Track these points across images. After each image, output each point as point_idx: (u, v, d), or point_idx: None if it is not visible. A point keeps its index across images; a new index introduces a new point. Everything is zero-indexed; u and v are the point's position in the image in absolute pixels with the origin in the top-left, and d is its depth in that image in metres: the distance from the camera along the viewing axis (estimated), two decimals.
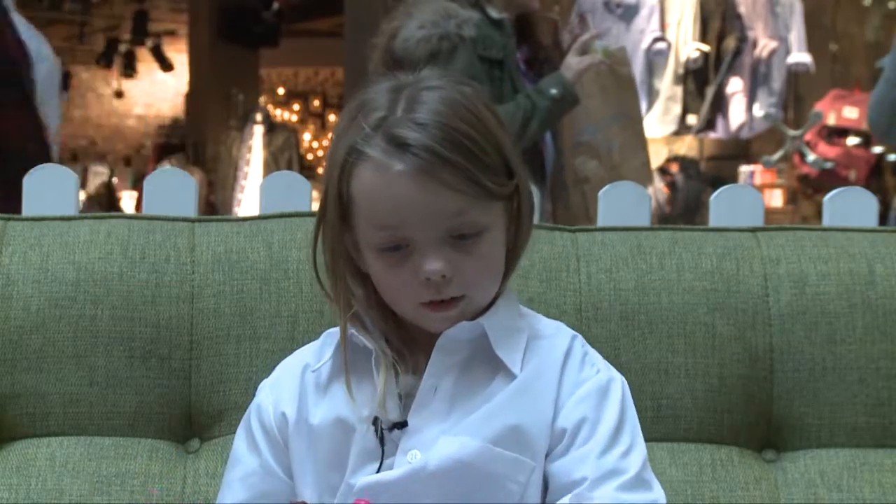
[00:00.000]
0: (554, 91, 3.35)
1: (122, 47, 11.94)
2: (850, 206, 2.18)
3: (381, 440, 1.39)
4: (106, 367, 1.70)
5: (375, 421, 1.40)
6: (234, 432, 1.66)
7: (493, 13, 3.39)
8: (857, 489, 1.70)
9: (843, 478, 1.71)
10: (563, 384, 1.43)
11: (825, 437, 1.74)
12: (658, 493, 1.39)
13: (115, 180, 11.69)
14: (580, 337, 1.49)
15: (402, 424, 1.40)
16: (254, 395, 1.54)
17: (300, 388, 1.48)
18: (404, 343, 1.45)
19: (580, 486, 1.36)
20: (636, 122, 3.88)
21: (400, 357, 1.43)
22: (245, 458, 1.49)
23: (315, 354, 1.50)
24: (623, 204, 2.22)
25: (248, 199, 8.95)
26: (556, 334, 1.48)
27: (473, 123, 1.38)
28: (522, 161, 1.45)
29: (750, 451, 1.75)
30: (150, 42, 11.71)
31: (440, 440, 1.38)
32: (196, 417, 1.73)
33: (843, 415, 1.74)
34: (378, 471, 1.39)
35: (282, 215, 1.83)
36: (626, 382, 1.46)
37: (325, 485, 1.43)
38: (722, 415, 1.73)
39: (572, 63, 3.42)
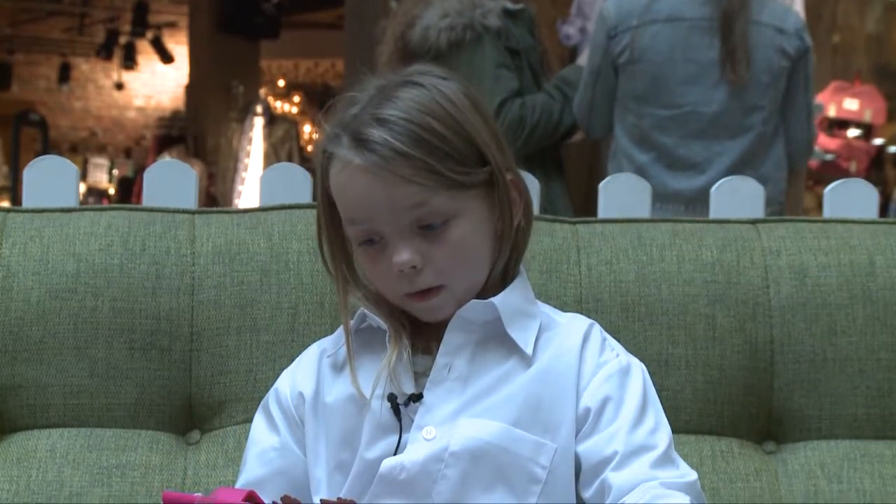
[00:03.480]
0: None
1: (123, 39, 11.93)
2: (851, 198, 2.18)
3: (398, 415, 1.41)
4: (106, 359, 1.70)
5: (391, 397, 1.41)
6: (235, 423, 1.67)
7: (510, 4, 3.40)
8: (858, 480, 1.70)
9: (843, 469, 1.71)
10: (584, 366, 1.45)
11: (825, 428, 1.75)
12: (687, 470, 1.41)
13: (115, 172, 11.69)
14: (597, 324, 1.51)
15: (417, 397, 1.41)
16: (258, 387, 1.58)
17: (318, 371, 1.51)
18: (416, 324, 1.47)
19: (612, 462, 1.38)
20: None
21: (415, 335, 1.46)
22: (263, 437, 1.52)
23: (332, 342, 1.54)
24: (623, 195, 2.22)
25: (249, 191, 8.95)
26: (573, 321, 1.51)
27: (440, 116, 1.41)
28: (502, 147, 1.47)
29: (750, 442, 1.75)
30: (150, 34, 11.70)
31: (460, 421, 1.39)
32: (196, 409, 1.73)
33: (844, 406, 1.74)
34: (397, 444, 1.40)
35: (282, 207, 1.83)
36: (645, 368, 1.48)
37: (335, 462, 1.45)
38: (722, 406, 1.73)
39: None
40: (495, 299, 1.44)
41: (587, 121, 3.36)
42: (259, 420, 1.54)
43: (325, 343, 1.55)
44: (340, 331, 1.53)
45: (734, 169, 3.10)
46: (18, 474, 1.66)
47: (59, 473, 1.66)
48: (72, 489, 1.64)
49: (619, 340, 1.52)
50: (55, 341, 1.69)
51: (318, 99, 11.70)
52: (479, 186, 1.43)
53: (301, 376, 1.52)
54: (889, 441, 1.74)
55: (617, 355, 1.47)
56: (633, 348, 1.67)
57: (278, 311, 1.71)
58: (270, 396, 1.54)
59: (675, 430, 1.69)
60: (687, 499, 1.34)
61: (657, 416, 1.44)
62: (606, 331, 1.51)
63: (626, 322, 1.72)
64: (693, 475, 1.40)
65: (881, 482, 1.70)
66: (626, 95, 3.27)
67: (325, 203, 1.47)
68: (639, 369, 1.47)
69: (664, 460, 1.39)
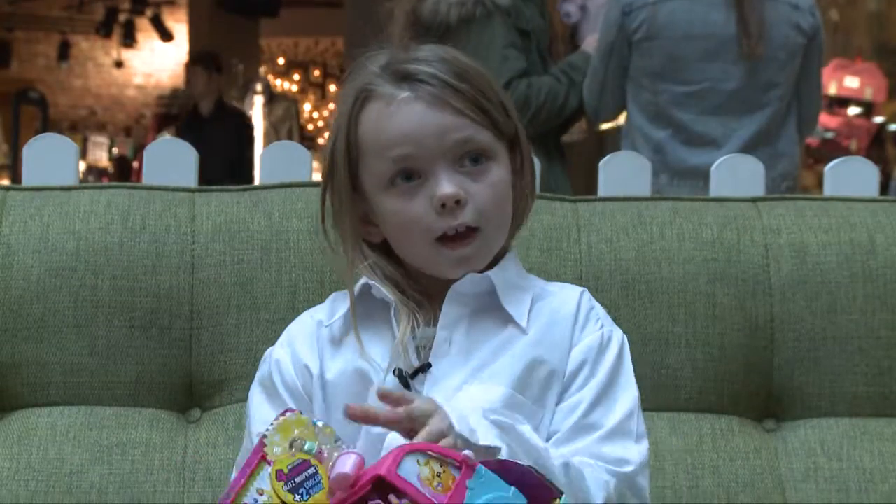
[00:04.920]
0: (587, 69, 3.38)
1: (122, 17, 11.90)
2: (851, 176, 2.18)
3: (408, 387, 1.40)
4: (106, 337, 1.70)
5: (396, 371, 1.41)
6: (235, 402, 1.66)
7: None
8: (857, 458, 1.71)
9: (842, 447, 1.72)
10: (575, 335, 1.46)
11: (825, 406, 1.75)
12: (634, 454, 1.40)
13: (115, 150, 11.68)
14: (587, 291, 1.51)
15: (427, 366, 1.41)
16: (258, 365, 1.54)
17: (318, 343, 1.49)
18: (420, 296, 1.46)
19: (557, 435, 1.40)
20: None
21: (418, 308, 1.45)
22: (266, 413, 1.45)
23: (326, 313, 1.52)
24: (624, 174, 2.22)
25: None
26: (563, 289, 1.52)
27: (473, 65, 1.45)
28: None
29: (750, 420, 1.75)
30: (149, 11, 11.67)
31: (464, 388, 1.39)
32: (197, 387, 1.73)
33: (844, 384, 1.74)
34: None
35: (282, 185, 1.83)
36: (625, 337, 1.49)
37: None
38: (722, 384, 1.73)
39: (593, 42, 3.44)
40: (490, 273, 1.45)
41: (597, 102, 3.35)
42: (258, 396, 1.51)
43: (319, 314, 1.53)
44: (333, 301, 1.53)
45: (751, 144, 3.14)
46: (19, 452, 1.66)
47: (59, 451, 1.66)
48: (72, 467, 1.65)
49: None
50: (55, 319, 1.69)
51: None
52: (507, 141, 1.46)
53: (302, 349, 1.50)
54: (889, 419, 1.74)
55: (601, 327, 1.47)
56: (633, 326, 1.67)
57: (278, 290, 1.71)
58: (271, 370, 1.50)
59: (674, 409, 1.71)
60: (608, 477, 1.36)
61: (621, 395, 1.44)
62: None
63: (627, 300, 1.72)
64: (632, 466, 1.39)
65: (881, 460, 1.70)
66: (641, 72, 3.28)
67: (346, 159, 1.45)
68: (617, 344, 1.47)
69: (612, 435, 1.40)
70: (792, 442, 1.73)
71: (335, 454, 1.23)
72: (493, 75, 1.49)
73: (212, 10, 10.48)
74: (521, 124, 1.49)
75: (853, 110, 7.14)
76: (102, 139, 11.89)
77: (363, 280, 1.47)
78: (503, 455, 1.28)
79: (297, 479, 1.23)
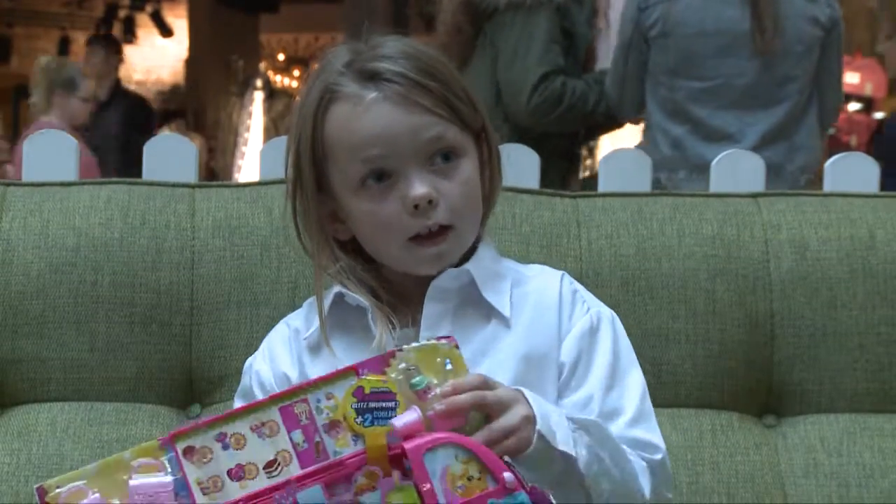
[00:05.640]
0: None
1: (122, 13, 11.89)
2: (852, 172, 2.18)
3: None
4: (107, 333, 1.70)
5: None
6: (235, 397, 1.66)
7: None
8: (857, 454, 1.71)
9: (842, 443, 1.72)
10: (562, 321, 1.45)
11: (825, 402, 1.75)
12: (658, 440, 1.42)
13: None
14: (567, 275, 1.51)
15: None
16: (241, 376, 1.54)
17: (296, 351, 1.48)
18: (395, 298, 1.45)
19: None
20: None
21: (393, 311, 1.44)
22: None
23: (303, 321, 1.51)
24: (624, 169, 2.22)
25: (249, 165, 8.94)
26: (542, 274, 1.51)
27: (437, 58, 1.44)
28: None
29: (750, 416, 1.75)
30: (149, 7, 11.65)
31: None
32: (197, 383, 1.73)
33: (844, 380, 1.74)
34: None
35: (282, 181, 1.81)
36: (616, 316, 1.49)
37: None
38: (722, 380, 1.73)
39: None
40: (468, 265, 1.45)
41: (619, 97, 3.37)
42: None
43: (295, 322, 1.52)
44: (308, 309, 1.52)
45: (768, 138, 3.15)
46: (19, 448, 1.66)
47: (59, 447, 1.66)
48: (72, 463, 1.64)
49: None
50: (55, 315, 1.69)
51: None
52: (474, 136, 1.45)
53: (280, 358, 1.49)
54: (889, 415, 1.74)
55: (588, 310, 1.48)
56: (633, 322, 1.67)
57: (278, 286, 1.71)
58: (251, 382, 1.50)
59: (675, 405, 1.71)
60: (644, 464, 1.38)
61: (628, 374, 1.45)
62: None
63: (627, 296, 1.72)
64: (661, 453, 1.41)
65: (881, 456, 1.70)
66: (658, 69, 3.29)
67: (312, 159, 1.43)
68: (608, 323, 1.47)
69: (638, 419, 1.41)
70: (792, 438, 1.73)
71: (418, 403, 1.22)
72: (453, 68, 1.47)
73: (212, 5, 10.48)
74: (485, 114, 1.47)
75: (853, 106, 7.13)
76: None
77: (336, 289, 1.46)
78: (580, 462, 1.29)
79: (371, 405, 1.21)
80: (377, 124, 1.38)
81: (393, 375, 1.22)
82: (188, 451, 1.20)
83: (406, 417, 1.19)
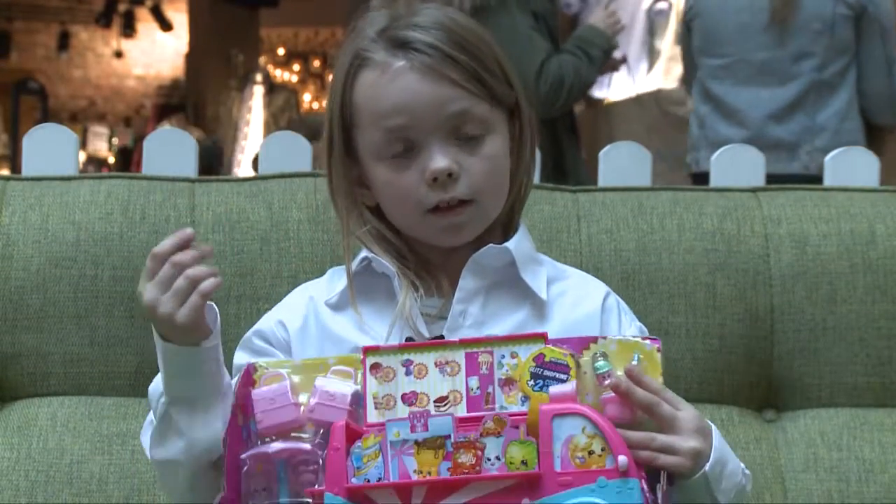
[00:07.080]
0: (600, 43, 3.40)
1: (122, 7, 11.88)
2: (852, 166, 2.18)
3: None
4: (106, 327, 1.70)
5: (407, 340, 1.40)
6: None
7: None
8: (857, 448, 1.71)
9: (843, 437, 1.72)
10: (605, 329, 1.45)
11: (825, 396, 1.75)
12: None
13: (115, 141, 11.67)
14: (613, 293, 1.52)
15: (439, 339, 1.39)
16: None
17: (305, 310, 1.48)
18: (421, 265, 1.45)
19: None
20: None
21: (419, 279, 1.43)
22: (247, 359, 1.42)
23: (323, 289, 1.50)
24: (624, 164, 2.21)
25: (248, 160, 8.93)
26: (585, 280, 1.53)
27: (474, 30, 1.43)
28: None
29: (750, 410, 1.76)
30: (149, 2, 11.65)
31: None
32: None
33: (844, 374, 1.74)
34: None
35: (282, 175, 1.82)
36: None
37: None
38: (722, 375, 1.73)
39: (602, 15, 3.49)
40: (509, 244, 1.44)
41: (689, 86, 3.49)
42: (240, 355, 1.48)
43: (314, 290, 1.52)
44: (330, 278, 1.52)
45: (780, 114, 3.18)
46: (19, 442, 1.66)
47: (59, 441, 1.66)
48: (72, 457, 1.65)
49: None
50: (55, 310, 1.69)
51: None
52: (506, 111, 1.44)
53: (286, 314, 1.49)
54: (889, 409, 1.74)
55: (639, 329, 1.48)
56: None
57: (278, 280, 1.71)
58: (252, 335, 1.50)
59: None
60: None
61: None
62: None
63: (627, 291, 1.72)
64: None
65: (881, 450, 1.71)
66: (695, 52, 3.41)
67: (341, 122, 1.44)
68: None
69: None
70: (792, 432, 1.74)
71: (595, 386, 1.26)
72: (491, 41, 1.46)
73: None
74: (520, 91, 1.46)
75: None
76: (102, 130, 11.86)
77: (362, 253, 1.46)
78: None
79: (546, 373, 1.26)
80: (402, 94, 1.38)
81: (586, 358, 1.27)
82: (375, 367, 1.29)
83: (562, 387, 1.23)
